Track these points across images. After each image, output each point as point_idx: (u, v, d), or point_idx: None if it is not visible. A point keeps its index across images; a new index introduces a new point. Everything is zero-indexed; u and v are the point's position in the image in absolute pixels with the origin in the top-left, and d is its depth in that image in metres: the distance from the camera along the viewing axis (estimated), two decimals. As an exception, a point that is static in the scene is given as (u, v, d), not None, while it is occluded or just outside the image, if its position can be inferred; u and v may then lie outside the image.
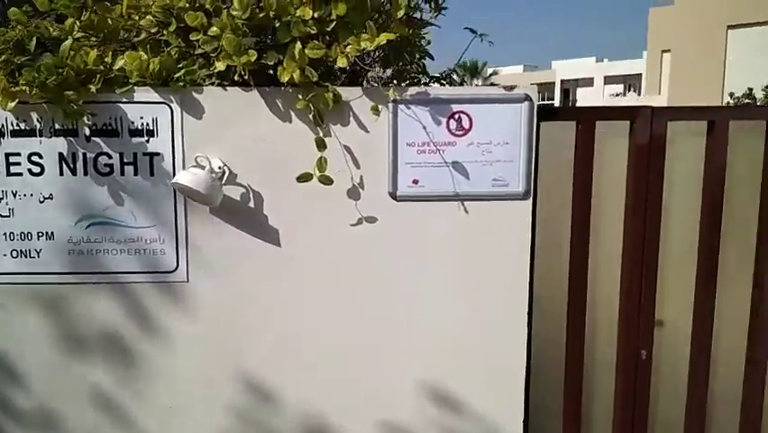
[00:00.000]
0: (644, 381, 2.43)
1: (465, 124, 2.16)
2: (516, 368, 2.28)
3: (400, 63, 2.98)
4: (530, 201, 2.20)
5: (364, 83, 2.32)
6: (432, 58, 3.33)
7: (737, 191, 2.40)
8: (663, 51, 13.46)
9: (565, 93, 51.53)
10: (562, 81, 51.24)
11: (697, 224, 2.40)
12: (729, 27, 11.04)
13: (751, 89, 5.55)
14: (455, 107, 2.15)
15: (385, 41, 1.97)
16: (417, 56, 3.20)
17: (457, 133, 2.16)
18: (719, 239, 2.37)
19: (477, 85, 36.16)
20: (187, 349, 2.21)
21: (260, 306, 2.21)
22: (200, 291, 2.17)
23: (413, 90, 2.13)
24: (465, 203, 2.19)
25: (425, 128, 2.15)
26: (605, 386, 2.50)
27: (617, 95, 40.34)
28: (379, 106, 2.08)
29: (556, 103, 50.32)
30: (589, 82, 49.19)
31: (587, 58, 51.33)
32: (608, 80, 47.26)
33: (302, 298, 2.21)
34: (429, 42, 3.03)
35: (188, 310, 2.18)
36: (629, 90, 41.01)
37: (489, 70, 37.76)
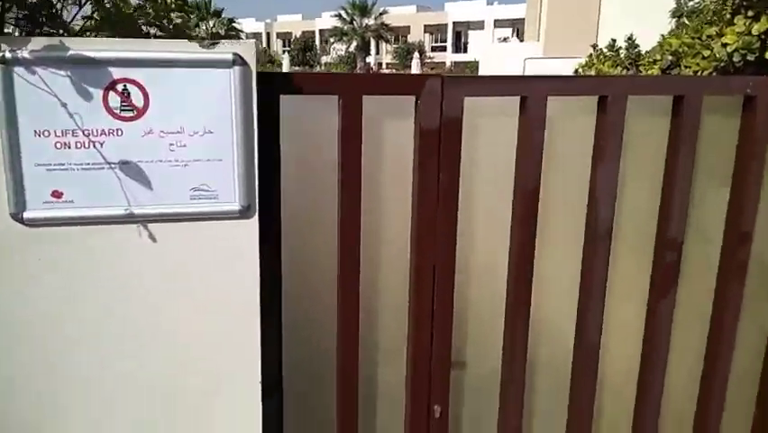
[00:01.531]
0: (438, 444, 1.83)
1: (137, 100, 1.32)
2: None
3: None
4: (255, 220, 1.44)
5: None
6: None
7: (559, 184, 1.79)
8: (542, -4, 13.11)
9: (457, 36, 51.31)
10: (454, 24, 50.87)
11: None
12: (604, -27, 10.76)
13: (614, 41, 5.14)
14: (118, 73, 1.30)
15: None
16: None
17: (124, 114, 1.33)
18: (534, 244, 1.76)
19: (367, 25, 34.58)
20: None
21: None
22: None
23: (38, 42, 1.26)
24: (149, 226, 1.39)
25: (65, 106, 1.29)
26: (392, 450, 1.88)
27: (505, 39, 40.59)
28: None
29: (449, 46, 50.14)
30: (479, 25, 49.17)
31: (478, 0, 51.09)
32: (498, 24, 47.42)
33: None
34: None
35: None
36: (515, 35, 41.41)
37: (380, 9, 36.31)
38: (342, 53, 40.24)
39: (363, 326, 1.72)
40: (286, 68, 35.72)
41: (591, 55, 5.26)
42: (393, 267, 1.75)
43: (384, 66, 48.57)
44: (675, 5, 9.27)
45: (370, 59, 47.06)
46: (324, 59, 46.31)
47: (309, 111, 1.61)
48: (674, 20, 9.74)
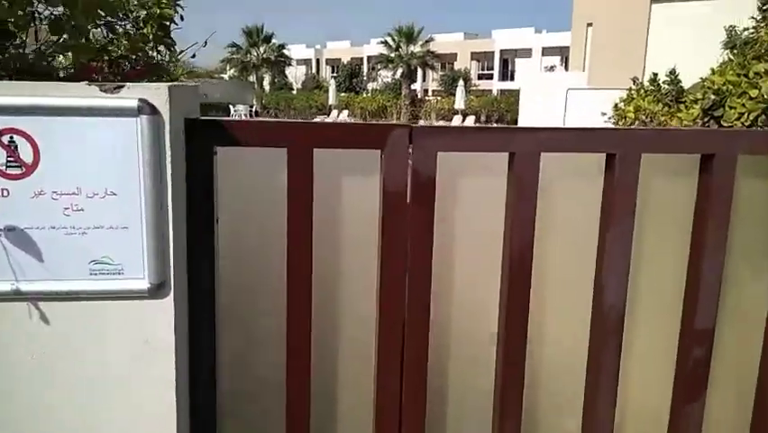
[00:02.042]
0: None
1: (25, 154, 1.11)
2: None
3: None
4: (170, 300, 1.19)
5: None
6: (172, 24, 2.27)
7: (557, 257, 1.48)
8: (588, 25, 12.71)
9: (504, 63, 51.04)
10: (501, 51, 50.73)
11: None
12: (653, 1, 10.32)
13: (655, 75, 4.70)
14: (2, 122, 1.09)
15: None
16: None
17: (10, 171, 1.11)
18: (526, 327, 1.44)
19: (413, 53, 34.58)
20: None
21: None
22: None
23: None
24: (41, 305, 1.16)
25: (-61, 162, 1.09)
26: None
27: (551, 68, 39.95)
28: None
29: (495, 74, 49.98)
30: (527, 53, 48.79)
31: (526, 28, 50.84)
32: (546, 52, 46.90)
33: None
34: None
35: None
36: (563, 63, 40.79)
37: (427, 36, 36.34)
38: (389, 80, 40.51)
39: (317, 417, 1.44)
40: (332, 93, 36.04)
41: (631, 89, 4.90)
42: (352, 353, 1.47)
43: (430, 93, 48.60)
44: (727, 36, 8.74)
45: (416, 86, 47.11)
46: (371, 85, 46.77)
47: (254, 164, 1.37)
48: (727, 52, 9.22)
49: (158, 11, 2.21)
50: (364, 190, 1.40)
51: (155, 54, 2.26)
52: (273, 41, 42.76)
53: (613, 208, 1.39)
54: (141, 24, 2.17)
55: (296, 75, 54.45)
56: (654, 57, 10.02)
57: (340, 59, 57.91)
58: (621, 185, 1.38)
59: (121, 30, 2.11)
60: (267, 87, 46.83)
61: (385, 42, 35.06)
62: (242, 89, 43.35)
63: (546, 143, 1.34)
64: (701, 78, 3.27)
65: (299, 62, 60.74)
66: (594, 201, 1.43)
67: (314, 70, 60.04)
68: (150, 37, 2.18)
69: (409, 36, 34.63)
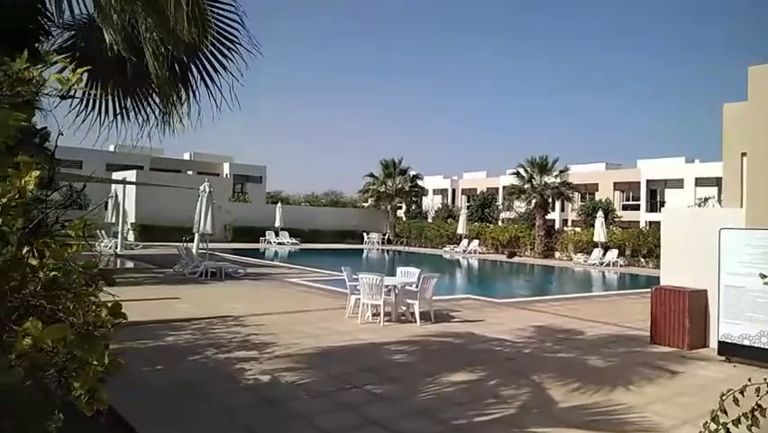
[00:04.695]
0: None
1: None
2: None
3: None
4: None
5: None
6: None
7: None
8: (742, 154, 10.79)
9: (652, 193, 47.63)
10: (648, 181, 47.59)
11: None
12: (829, 125, 8.37)
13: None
14: None
15: None
16: None
17: None
18: None
19: (546, 183, 33.07)
20: None
21: None
22: None
23: None
24: None
25: None
26: None
27: (705, 200, 36.13)
28: None
29: (642, 205, 46.67)
30: (678, 183, 45.17)
31: (676, 157, 47.55)
32: (700, 182, 43.04)
33: None
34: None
35: None
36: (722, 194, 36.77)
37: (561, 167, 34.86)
38: (523, 210, 39.27)
39: None
40: (462, 223, 35.39)
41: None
42: None
43: (570, 223, 46.23)
44: None
45: (555, 216, 45.05)
46: (505, 214, 45.76)
47: None
48: None
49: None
50: None
51: None
52: (409, 172, 43.86)
53: None
54: None
55: (431, 204, 55.25)
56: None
57: (475, 189, 58.05)
58: None
59: None
60: (402, 216, 47.62)
61: (517, 174, 34.24)
62: (376, 218, 44.44)
63: None
64: None
65: (436, 192, 61.95)
66: None
67: (449, 199, 60.73)
68: None
69: (543, 167, 33.51)
